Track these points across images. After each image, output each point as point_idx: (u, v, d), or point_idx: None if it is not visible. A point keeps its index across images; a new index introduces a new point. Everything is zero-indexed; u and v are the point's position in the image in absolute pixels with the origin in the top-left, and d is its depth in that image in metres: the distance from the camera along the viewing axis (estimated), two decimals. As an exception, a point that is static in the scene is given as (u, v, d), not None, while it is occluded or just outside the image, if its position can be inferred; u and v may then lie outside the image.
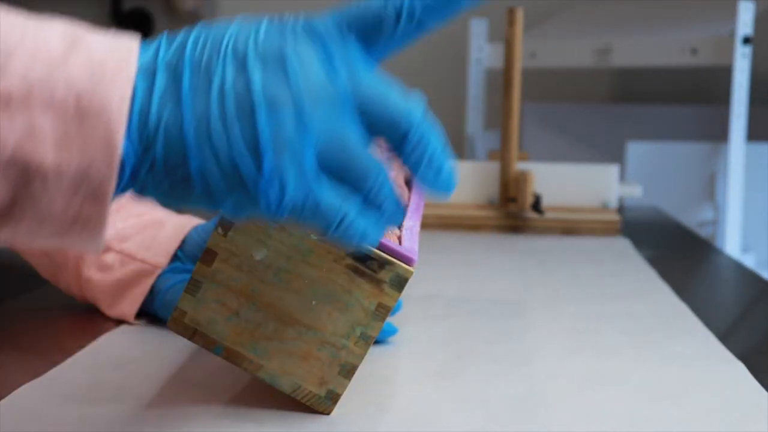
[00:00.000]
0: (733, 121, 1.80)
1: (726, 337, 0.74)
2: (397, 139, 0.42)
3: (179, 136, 0.39)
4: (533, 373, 0.64)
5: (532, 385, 0.62)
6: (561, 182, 1.33)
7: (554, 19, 2.33)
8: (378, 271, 0.52)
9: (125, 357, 0.65)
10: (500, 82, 1.34)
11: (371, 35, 0.43)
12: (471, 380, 0.62)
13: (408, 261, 0.53)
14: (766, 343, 0.81)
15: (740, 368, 0.65)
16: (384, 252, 0.52)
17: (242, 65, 0.40)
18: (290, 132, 0.39)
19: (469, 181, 1.33)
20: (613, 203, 1.33)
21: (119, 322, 0.75)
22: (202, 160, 0.39)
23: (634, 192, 1.51)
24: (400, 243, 0.56)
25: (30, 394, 0.57)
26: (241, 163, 0.39)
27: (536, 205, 1.25)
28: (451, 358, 0.67)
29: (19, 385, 0.58)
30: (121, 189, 0.41)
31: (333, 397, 0.54)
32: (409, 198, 0.68)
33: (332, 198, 0.41)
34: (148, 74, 0.40)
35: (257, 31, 0.41)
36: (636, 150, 1.99)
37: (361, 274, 0.53)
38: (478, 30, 2.23)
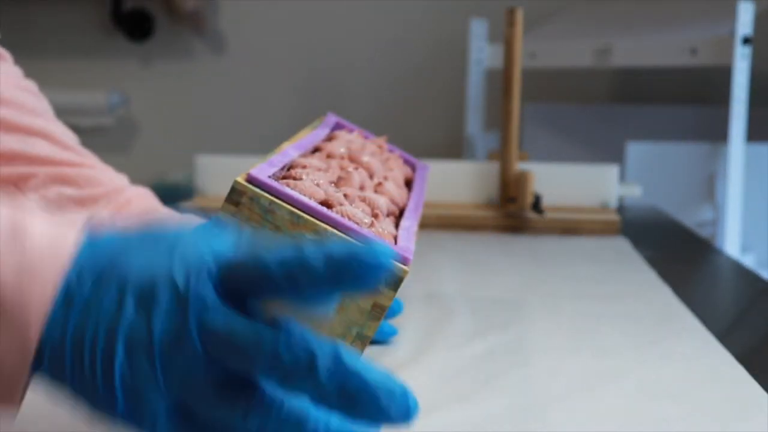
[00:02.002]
0: (732, 122, 1.80)
1: (725, 337, 0.74)
2: (247, 362, 0.39)
3: (62, 354, 0.40)
4: (533, 373, 0.64)
5: (532, 385, 0.62)
6: (561, 182, 1.33)
7: (554, 19, 2.33)
8: (374, 271, 0.52)
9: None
10: (500, 82, 1.34)
11: (249, 287, 0.40)
12: (471, 380, 0.62)
13: (403, 260, 0.53)
14: (764, 343, 0.81)
15: (739, 368, 0.66)
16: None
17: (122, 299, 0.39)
18: (143, 379, 0.39)
19: (469, 181, 1.33)
20: (613, 203, 1.33)
21: (120, 322, 0.75)
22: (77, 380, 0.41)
23: (634, 192, 1.51)
24: (395, 242, 0.56)
25: (30, 394, 0.57)
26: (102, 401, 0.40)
27: (536, 205, 1.25)
28: (451, 358, 0.67)
29: (20, 385, 0.58)
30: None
31: (332, 397, 0.54)
32: (408, 198, 0.68)
33: None
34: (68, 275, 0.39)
35: (171, 262, 0.40)
36: (636, 150, 1.99)
37: (357, 273, 0.52)
38: (478, 30, 2.23)
